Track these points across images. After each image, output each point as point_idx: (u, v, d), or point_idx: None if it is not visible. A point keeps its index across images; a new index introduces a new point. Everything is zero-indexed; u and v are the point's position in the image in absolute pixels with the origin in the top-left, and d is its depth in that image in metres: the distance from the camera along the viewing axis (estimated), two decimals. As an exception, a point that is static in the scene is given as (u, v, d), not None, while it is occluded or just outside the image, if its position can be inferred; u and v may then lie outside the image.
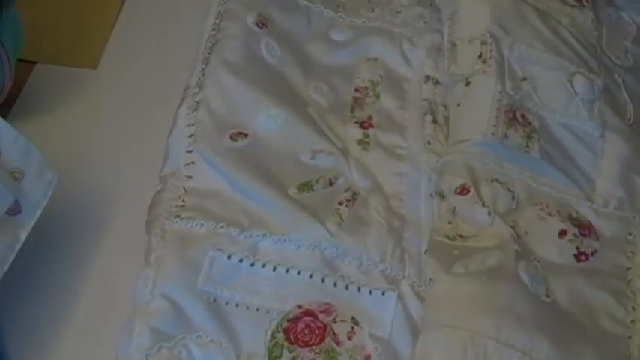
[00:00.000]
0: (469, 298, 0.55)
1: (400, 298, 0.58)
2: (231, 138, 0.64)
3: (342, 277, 0.58)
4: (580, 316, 0.56)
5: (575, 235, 0.60)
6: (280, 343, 0.55)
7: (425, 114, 0.70)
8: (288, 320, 0.56)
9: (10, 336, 0.59)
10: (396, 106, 0.70)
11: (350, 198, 0.62)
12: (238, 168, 0.61)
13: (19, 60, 0.72)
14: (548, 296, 0.56)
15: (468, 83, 0.68)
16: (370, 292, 0.58)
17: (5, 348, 0.58)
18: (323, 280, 0.58)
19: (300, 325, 0.56)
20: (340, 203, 0.62)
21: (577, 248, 0.60)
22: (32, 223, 0.57)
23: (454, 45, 0.71)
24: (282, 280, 0.58)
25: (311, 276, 0.58)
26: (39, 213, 0.58)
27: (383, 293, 0.58)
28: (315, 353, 0.55)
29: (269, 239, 0.59)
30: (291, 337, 0.56)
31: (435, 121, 0.69)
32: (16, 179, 0.57)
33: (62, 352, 0.58)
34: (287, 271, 0.58)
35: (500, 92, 0.66)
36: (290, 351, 0.55)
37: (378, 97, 0.71)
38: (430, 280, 0.57)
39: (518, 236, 0.59)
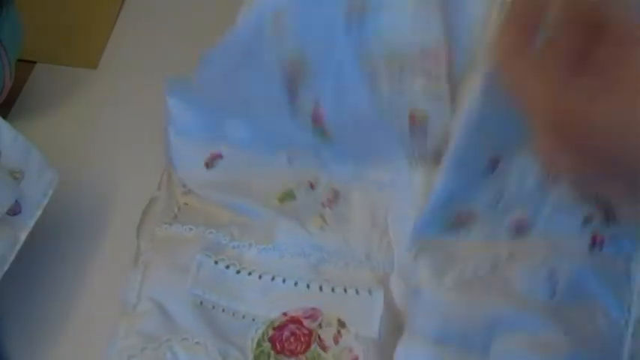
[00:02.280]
0: (459, 311, 0.54)
1: (387, 295, 0.57)
2: (207, 165, 0.63)
3: (327, 280, 0.58)
4: (585, 318, 0.55)
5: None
6: (267, 352, 0.55)
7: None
8: (274, 329, 0.56)
9: (10, 336, 0.59)
10: None
11: (331, 198, 0.61)
12: (224, 193, 0.61)
13: (19, 60, 0.72)
14: (554, 295, 0.55)
15: None
16: (357, 292, 0.57)
17: (5, 348, 0.58)
18: (308, 287, 0.58)
19: (286, 333, 0.56)
20: (323, 205, 0.61)
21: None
22: (32, 223, 0.57)
23: None
24: (267, 288, 0.57)
25: (296, 284, 0.58)
26: (39, 213, 0.58)
27: (370, 292, 0.57)
28: None
29: (254, 248, 0.59)
30: (278, 346, 0.55)
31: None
32: (16, 179, 0.57)
33: (62, 352, 0.58)
34: (272, 279, 0.58)
35: None
36: None
37: None
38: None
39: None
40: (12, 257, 0.56)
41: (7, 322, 0.59)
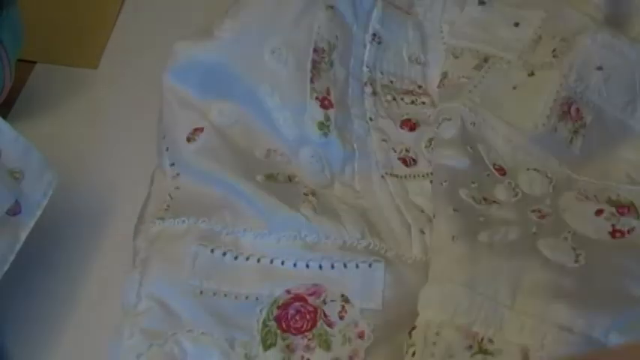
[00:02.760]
0: (489, 268, 0.54)
1: (388, 267, 0.57)
2: (188, 140, 0.63)
3: (326, 258, 0.58)
4: (609, 281, 0.55)
5: (612, 214, 0.59)
6: (273, 331, 0.55)
7: (365, 84, 0.67)
8: (278, 307, 0.56)
9: (10, 336, 0.59)
10: (344, 77, 0.67)
11: (310, 193, 0.62)
12: (208, 166, 0.61)
13: (19, 60, 0.72)
14: (577, 262, 0.55)
15: (531, 74, 0.67)
16: (357, 266, 0.57)
17: (5, 348, 0.58)
18: (307, 266, 0.57)
19: (291, 311, 0.55)
20: (305, 194, 0.61)
21: (613, 226, 0.59)
22: (32, 223, 0.57)
23: (540, 37, 0.70)
24: (267, 271, 0.57)
25: (295, 264, 0.58)
26: (39, 213, 0.58)
27: (370, 265, 0.57)
28: (309, 339, 0.54)
29: (250, 234, 0.58)
30: (283, 324, 0.55)
31: (374, 93, 0.66)
32: (16, 179, 0.57)
33: (62, 352, 0.58)
34: (271, 262, 0.58)
35: (561, 85, 0.65)
36: (283, 339, 0.54)
37: (332, 64, 0.66)
38: (453, 237, 0.56)
39: (544, 215, 0.59)
40: (12, 257, 0.56)
41: (7, 322, 0.59)
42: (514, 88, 0.67)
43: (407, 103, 0.69)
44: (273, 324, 0.55)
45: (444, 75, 0.70)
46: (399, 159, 0.66)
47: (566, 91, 0.65)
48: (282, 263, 0.58)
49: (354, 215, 0.61)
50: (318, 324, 0.55)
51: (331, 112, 0.65)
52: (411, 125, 0.67)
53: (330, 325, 0.55)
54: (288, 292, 0.56)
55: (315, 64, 0.65)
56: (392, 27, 0.71)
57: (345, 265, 0.57)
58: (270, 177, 0.62)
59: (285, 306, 0.56)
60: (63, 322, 0.58)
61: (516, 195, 0.61)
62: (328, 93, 0.65)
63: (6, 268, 0.55)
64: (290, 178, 0.63)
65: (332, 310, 0.55)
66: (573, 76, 0.66)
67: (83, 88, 0.76)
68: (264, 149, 0.64)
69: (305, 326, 0.55)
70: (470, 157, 0.62)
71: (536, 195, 0.61)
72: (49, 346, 0.55)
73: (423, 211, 0.62)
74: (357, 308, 0.55)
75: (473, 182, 0.61)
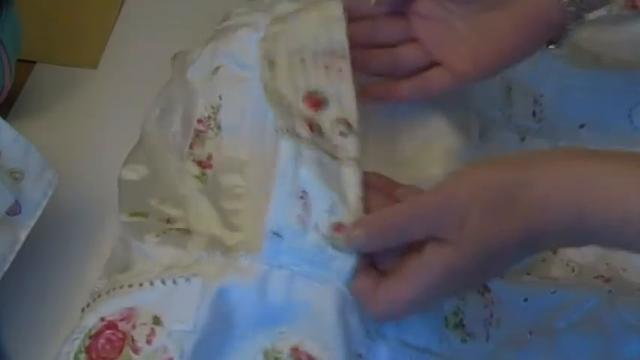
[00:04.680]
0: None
1: (208, 282, 0.51)
2: None
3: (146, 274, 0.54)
4: None
5: None
6: None
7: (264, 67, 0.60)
8: (90, 337, 0.52)
9: (10, 336, 0.59)
10: (237, 130, 0.62)
11: (181, 228, 0.58)
12: None
13: (19, 60, 0.72)
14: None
15: (523, 139, 0.68)
16: (174, 282, 0.52)
17: (5, 348, 0.58)
18: (130, 285, 0.54)
19: (102, 340, 0.52)
20: (170, 229, 0.58)
21: None
22: (32, 223, 0.57)
23: (509, 88, 0.69)
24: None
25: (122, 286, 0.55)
26: (39, 213, 0.58)
27: (187, 280, 0.52)
28: None
29: None
30: (94, 355, 0.51)
31: (271, 69, 0.59)
32: (16, 179, 0.57)
33: (62, 352, 0.58)
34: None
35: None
36: None
37: (219, 127, 0.62)
38: (531, 332, 0.56)
39: (609, 279, 0.59)
40: (12, 257, 0.56)
41: (7, 322, 0.59)
42: (523, 139, 0.68)
43: (320, 68, 0.60)
44: (83, 357, 0.52)
45: None
46: None
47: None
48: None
49: (205, 237, 0.56)
50: (124, 351, 0.51)
51: (208, 171, 0.62)
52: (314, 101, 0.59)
53: (135, 351, 0.50)
54: (102, 319, 0.53)
55: (198, 133, 0.63)
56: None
57: (163, 282, 0.53)
58: (136, 214, 0.60)
59: (97, 335, 0.52)
60: (63, 322, 0.58)
61: (573, 270, 0.60)
62: (209, 158, 0.62)
63: (6, 268, 0.55)
64: (169, 220, 0.60)
65: (140, 335, 0.51)
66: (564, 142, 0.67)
67: (83, 88, 0.76)
68: (159, 198, 0.61)
69: (112, 355, 0.51)
70: None
71: (589, 259, 0.60)
72: (49, 346, 0.55)
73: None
74: (167, 331, 0.50)
75: (528, 273, 0.60)
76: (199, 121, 0.63)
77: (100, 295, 0.54)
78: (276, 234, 0.50)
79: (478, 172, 0.47)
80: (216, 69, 0.63)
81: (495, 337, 0.54)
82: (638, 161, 0.45)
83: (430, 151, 0.62)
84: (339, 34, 0.59)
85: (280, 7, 0.63)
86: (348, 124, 0.55)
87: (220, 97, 0.62)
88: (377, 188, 0.52)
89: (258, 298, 0.50)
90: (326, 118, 0.56)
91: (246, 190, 0.59)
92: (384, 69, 0.62)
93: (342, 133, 0.55)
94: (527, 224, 0.45)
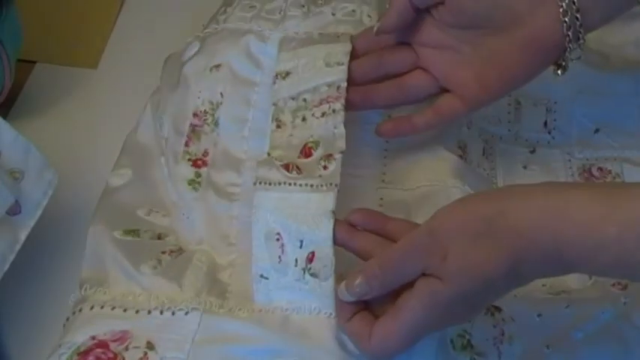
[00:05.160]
0: None
1: (209, 317, 0.54)
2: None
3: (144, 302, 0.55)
4: None
5: None
6: None
7: (271, 121, 0.62)
8: (79, 354, 0.52)
9: (10, 336, 0.59)
10: (236, 130, 0.63)
11: (175, 250, 0.59)
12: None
13: (19, 60, 0.72)
14: None
15: (533, 151, 0.68)
16: (173, 314, 0.54)
17: (5, 348, 0.58)
18: (125, 310, 0.54)
19: (91, 358, 0.52)
20: (164, 252, 0.58)
21: None
22: (32, 223, 0.57)
23: (518, 103, 0.70)
24: (85, 316, 0.55)
25: (113, 308, 0.55)
26: (39, 213, 0.58)
27: (186, 313, 0.54)
28: None
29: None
30: None
31: (279, 126, 0.61)
32: (16, 179, 0.57)
33: (62, 352, 0.58)
34: (92, 307, 0.55)
35: (570, 161, 0.67)
36: None
37: (216, 124, 0.63)
38: (548, 345, 0.55)
39: (625, 286, 0.58)
40: (12, 257, 0.56)
41: (7, 322, 0.59)
42: (524, 167, 0.68)
43: (318, 117, 0.61)
44: None
45: None
46: None
47: (576, 163, 0.67)
48: (102, 307, 0.55)
49: (199, 275, 0.57)
50: None
51: (203, 170, 0.62)
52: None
53: None
54: (92, 337, 0.53)
55: (194, 128, 0.63)
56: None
57: (161, 312, 0.54)
58: (131, 232, 0.60)
59: (86, 353, 0.52)
60: (63, 321, 0.58)
61: (590, 278, 0.60)
62: (205, 154, 0.63)
63: (6, 268, 0.55)
64: (160, 237, 0.60)
65: (132, 357, 0.51)
66: (577, 148, 0.68)
67: (83, 88, 0.76)
68: (147, 208, 0.62)
69: None
70: None
71: None
72: (49, 345, 0.54)
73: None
74: (159, 356, 0.51)
75: (543, 285, 0.60)
76: (195, 115, 0.63)
77: (81, 310, 0.55)
78: (263, 276, 0.55)
79: (461, 207, 0.50)
80: (218, 66, 0.64)
81: (509, 354, 0.55)
82: (610, 190, 0.47)
83: (420, 170, 0.63)
84: (340, 75, 0.61)
85: (290, 23, 0.66)
86: (332, 158, 0.58)
87: (222, 95, 0.63)
88: (367, 229, 0.55)
89: (254, 335, 0.53)
90: (312, 160, 0.59)
91: (240, 189, 0.61)
92: (394, 101, 0.63)
93: (325, 167, 0.57)
94: (509, 252, 0.47)
